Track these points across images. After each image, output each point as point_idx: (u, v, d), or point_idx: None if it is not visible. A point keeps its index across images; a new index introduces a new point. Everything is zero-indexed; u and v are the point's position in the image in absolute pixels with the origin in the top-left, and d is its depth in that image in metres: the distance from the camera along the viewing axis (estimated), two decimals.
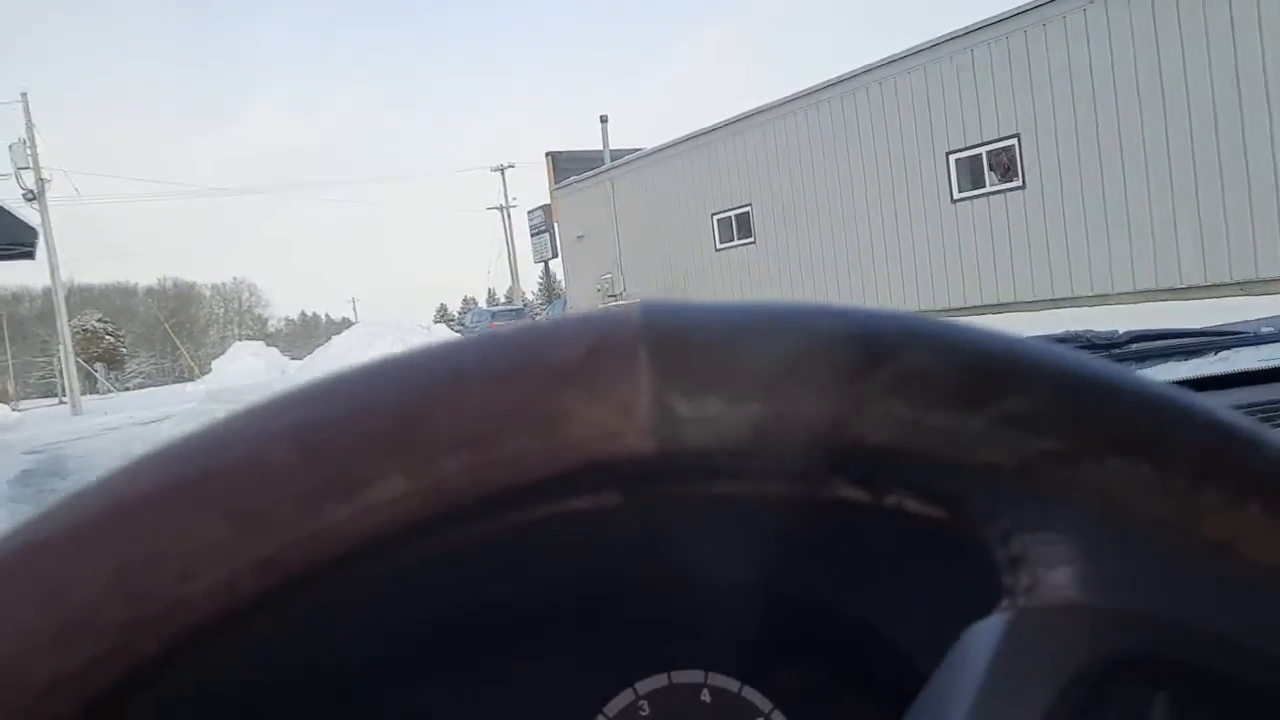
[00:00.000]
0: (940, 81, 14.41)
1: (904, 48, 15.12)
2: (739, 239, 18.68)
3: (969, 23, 14.09)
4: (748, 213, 18.33)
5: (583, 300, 23.81)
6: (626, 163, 22.32)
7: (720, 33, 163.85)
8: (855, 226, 16.08)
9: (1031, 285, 13.64)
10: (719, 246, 19.17)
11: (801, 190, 17.00)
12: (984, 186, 14.27)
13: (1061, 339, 1.35)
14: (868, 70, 15.61)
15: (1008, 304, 13.94)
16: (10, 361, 61.27)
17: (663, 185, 20.66)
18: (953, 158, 14.49)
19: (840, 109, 16.08)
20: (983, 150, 14.19)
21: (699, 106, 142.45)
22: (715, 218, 19.12)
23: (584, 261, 23.80)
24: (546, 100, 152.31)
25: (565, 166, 25.47)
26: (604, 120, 25.24)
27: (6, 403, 41.90)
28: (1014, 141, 13.66)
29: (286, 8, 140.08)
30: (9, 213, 11.34)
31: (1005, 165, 14.03)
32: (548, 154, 26.02)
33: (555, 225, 26.49)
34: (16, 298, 66.05)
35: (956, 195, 14.51)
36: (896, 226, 15.35)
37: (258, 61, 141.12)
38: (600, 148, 25.98)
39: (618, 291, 21.86)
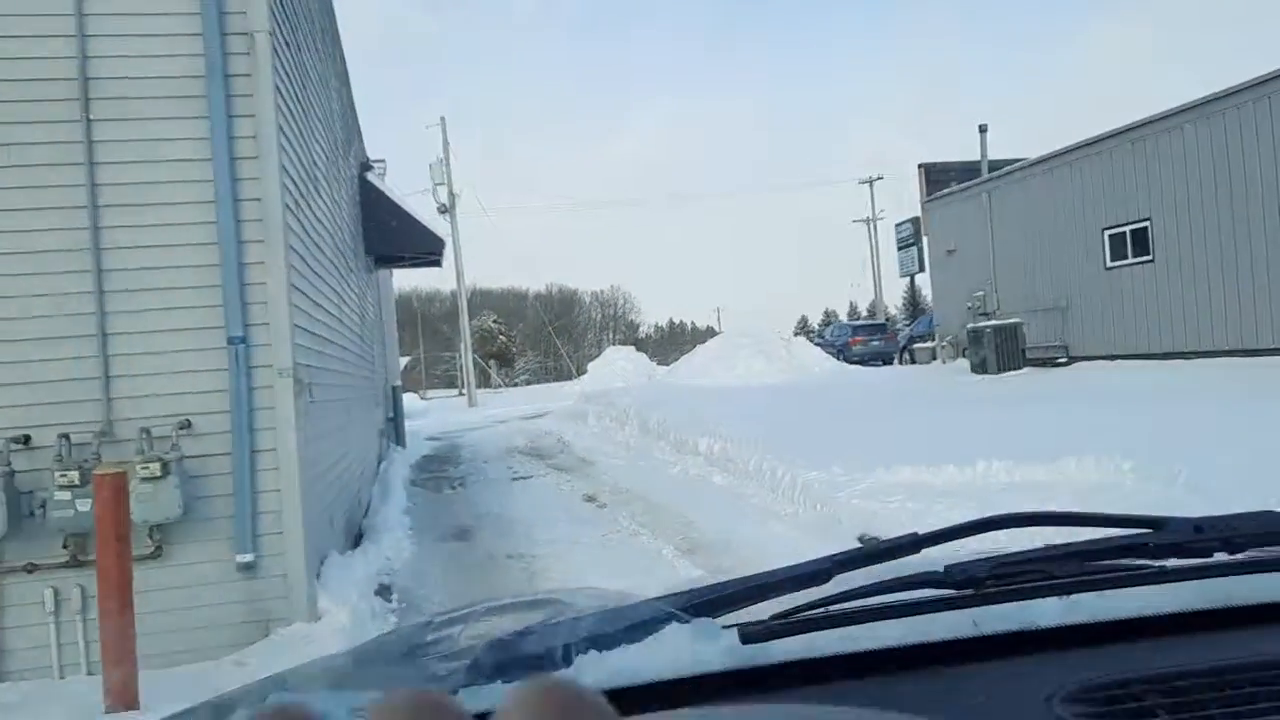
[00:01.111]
0: None
1: None
2: (1134, 257, 16.85)
3: None
4: (1146, 228, 16.49)
5: (952, 318, 22.68)
6: (1005, 174, 20.95)
7: (1114, 34, 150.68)
8: (1273, 246, 13.92)
9: None
10: (1109, 264, 17.43)
11: (1213, 204, 15.00)
12: None
13: None
14: None
15: None
16: (422, 354, 69.35)
17: (1045, 197, 19.15)
18: None
19: (1264, 112, 14.00)
20: None
21: (1088, 116, 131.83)
22: (1107, 233, 17.40)
23: (954, 277, 22.66)
24: (921, 110, 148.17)
25: (938, 179, 24.42)
26: (983, 130, 23.87)
27: (418, 392, 47.49)
28: None
29: (663, 23, 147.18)
30: (422, 225, 12.63)
31: None
32: (920, 166, 25.09)
33: (924, 239, 25.46)
34: (429, 299, 74.72)
35: None
36: None
37: (639, 78, 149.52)
38: (976, 159, 24.64)
39: (990, 310, 20.55)
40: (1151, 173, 16.26)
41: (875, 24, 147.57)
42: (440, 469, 13.80)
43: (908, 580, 1.04)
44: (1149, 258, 16.50)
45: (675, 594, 1.12)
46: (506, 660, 1.00)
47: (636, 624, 1.03)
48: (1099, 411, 9.38)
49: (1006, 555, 1.07)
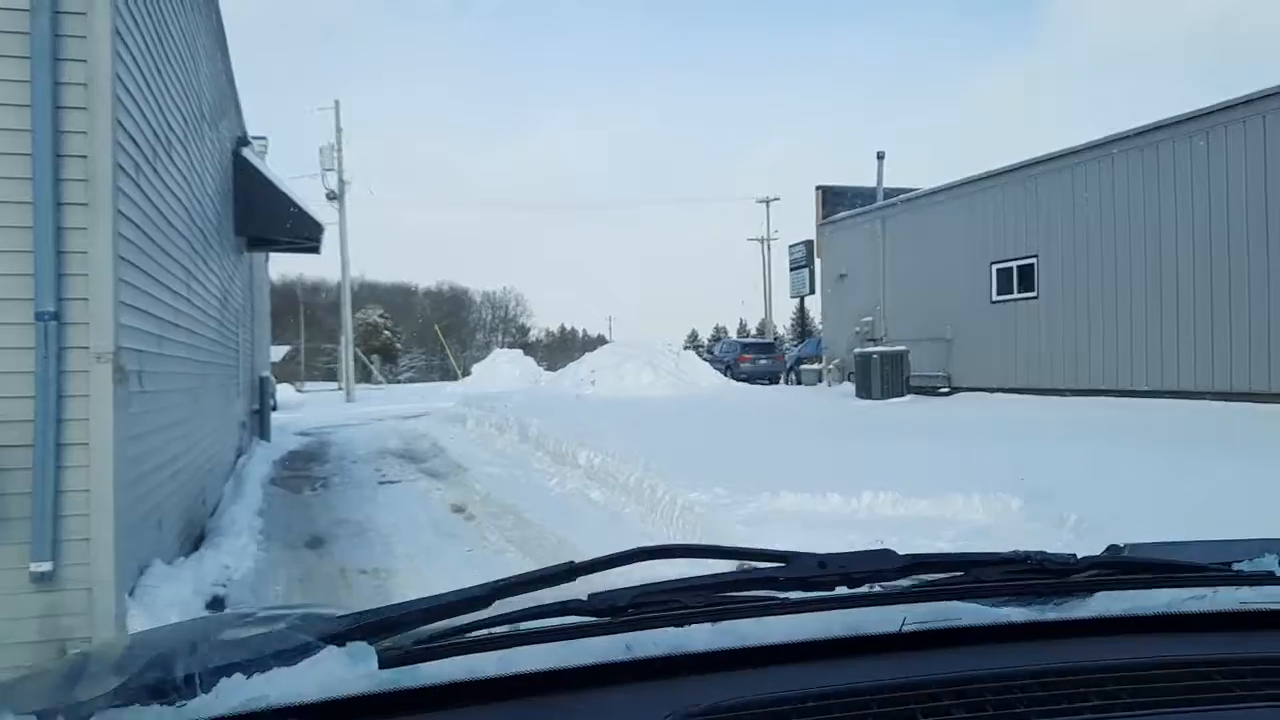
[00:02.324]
0: None
1: (1235, 95, 13.27)
2: (1019, 292, 17.16)
3: None
4: (1033, 264, 16.80)
5: (839, 341, 22.83)
6: (900, 202, 21.19)
7: (1012, 75, 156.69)
8: (1159, 293, 14.29)
9: None
10: (995, 298, 17.72)
11: (1099, 246, 15.35)
12: None
13: (1007, 559, 1.25)
14: (1191, 118, 13.85)
15: None
16: (303, 345, 67.18)
17: (937, 228, 19.41)
18: None
19: (1155, 158, 14.37)
20: None
21: (984, 150, 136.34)
22: (995, 267, 17.69)
23: (844, 301, 22.83)
24: (819, 134, 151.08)
25: (834, 202, 24.60)
26: (880, 156, 24.21)
27: (294, 383, 45.81)
28: None
29: (579, 33, 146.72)
30: (301, 207, 11.90)
31: None
32: (818, 188, 25.21)
33: (817, 261, 25.61)
34: (314, 288, 72.39)
35: None
36: (1211, 297, 13.47)
37: (545, 84, 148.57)
38: (873, 184, 24.97)
39: (878, 335, 20.74)
40: (1040, 211, 16.59)
41: (785, 46, 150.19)
42: (304, 468, 13.02)
43: (555, 607, 1.08)
44: (1034, 294, 16.82)
45: (340, 616, 1.13)
46: (154, 684, 1.00)
47: (289, 649, 1.03)
48: (983, 446, 9.31)
49: (647, 585, 1.13)
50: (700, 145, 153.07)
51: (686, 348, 42.39)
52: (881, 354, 18.44)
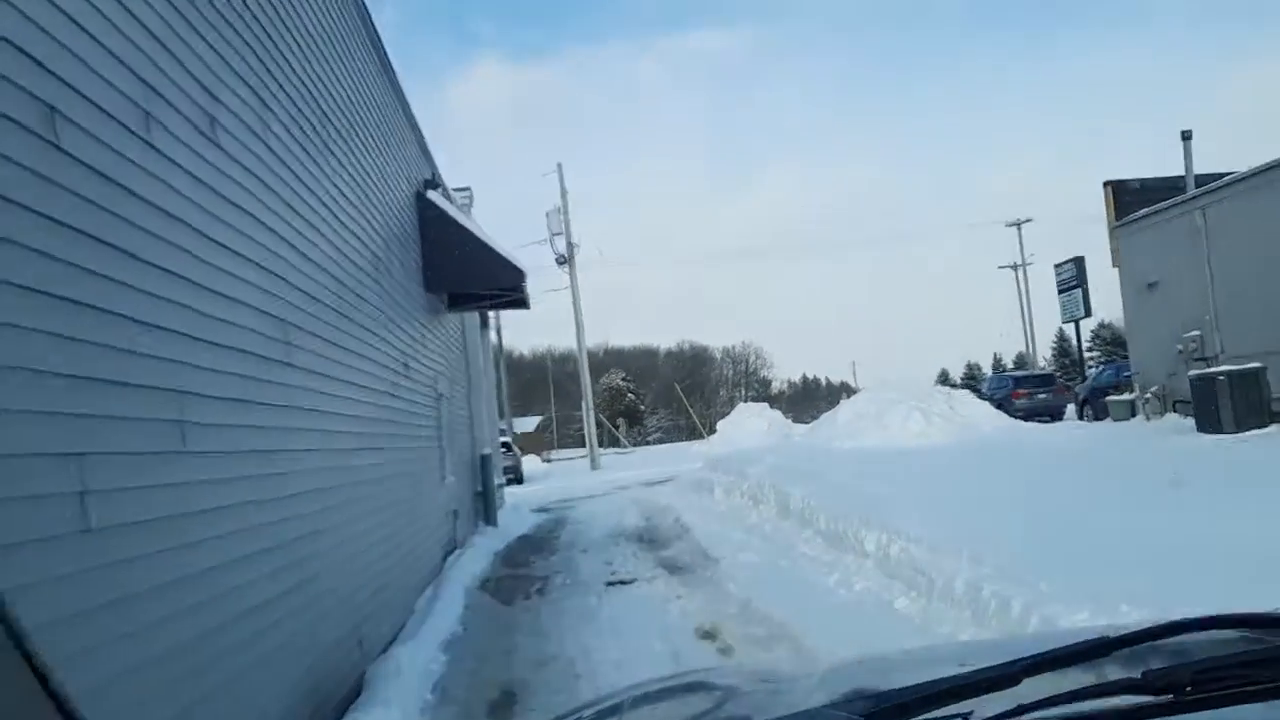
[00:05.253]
0: None
1: None
2: None
3: None
4: None
5: (1155, 364, 18.69)
6: (1227, 184, 17.00)
7: None
8: None
9: None
10: None
11: None
12: None
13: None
14: None
15: None
16: (554, 414, 67.87)
17: None
18: None
19: None
20: None
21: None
22: None
23: (1157, 315, 18.67)
24: (1072, 144, 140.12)
25: (1129, 200, 20.52)
26: (1186, 137, 19.93)
27: (541, 454, 45.39)
28: None
29: (791, 68, 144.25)
30: (495, 251, 10.01)
31: None
32: (1106, 183, 21.19)
33: (1113, 271, 21.43)
34: (564, 359, 73.42)
35: None
36: None
37: (769, 127, 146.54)
38: (1170, 174, 20.82)
39: (1210, 354, 16.60)
40: None
41: (1013, 63, 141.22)
42: (525, 562, 10.91)
43: (1106, 687, 1.02)
44: None
45: (854, 700, 1.09)
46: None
47: None
48: None
49: (1207, 659, 1.04)
50: (933, 175, 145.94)
51: (942, 386, 38.26)
52: (1230, 374, 14.43)
